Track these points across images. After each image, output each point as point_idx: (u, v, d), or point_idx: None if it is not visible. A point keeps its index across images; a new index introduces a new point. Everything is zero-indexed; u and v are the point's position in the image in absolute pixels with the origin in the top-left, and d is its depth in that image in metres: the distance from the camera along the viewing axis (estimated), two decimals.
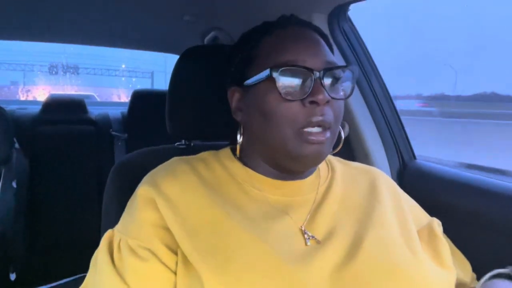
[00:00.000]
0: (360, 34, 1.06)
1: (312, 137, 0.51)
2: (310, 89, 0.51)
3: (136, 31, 1.75)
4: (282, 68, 0.51)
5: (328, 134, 0.53)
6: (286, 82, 0.51)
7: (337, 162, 0.66)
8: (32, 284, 1.69)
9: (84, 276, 0.53)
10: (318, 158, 0.54)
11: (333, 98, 0.52)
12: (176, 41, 1.87)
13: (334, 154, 0.70)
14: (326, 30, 1.02)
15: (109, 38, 1.93)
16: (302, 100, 0.51)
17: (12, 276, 1.48)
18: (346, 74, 0.55)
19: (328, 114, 0.52)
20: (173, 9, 1.35)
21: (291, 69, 0.51)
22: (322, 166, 0.63)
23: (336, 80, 0.54)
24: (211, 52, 0.78)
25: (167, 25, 1.58)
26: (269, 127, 0.53)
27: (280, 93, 0.51)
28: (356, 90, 1.03)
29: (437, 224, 0.63)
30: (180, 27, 1.54)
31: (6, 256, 1.45)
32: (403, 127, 1.06)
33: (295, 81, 0.52)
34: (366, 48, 1.06)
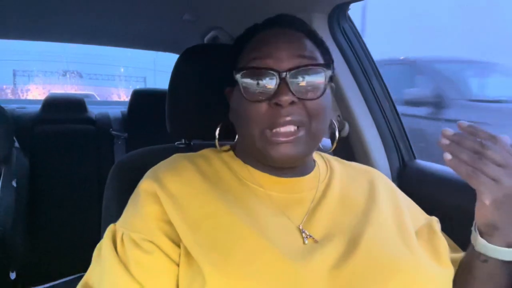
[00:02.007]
0: (360, 33, 1.06)
1: (277, 138, 0.51)
2: (276, 91, 0.51)
3: (136, 31, 1.75)
4: (243, 72, 0.53)
5: (301, 133, 0.52)
6: (249, 84, 0.53)
7: (336, 162, 0.67)
8: (32, 284, 1.69)
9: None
10: (290, 158, 0.53)
11: (300, 98, 0.52)
12: (176, 41, 1.87)
13: (335, 154, 0.71)
14: (326, 30, 1.02)
15: (109, 37, 1.93)
16: (267, 101, 0.52)
17: (12, 276, 1.48)
18: (318, 73, 0.54)
19: (297, 114, 0.52)
20: (173, 8, 1.35)
21: (253, 71, 0.53)
22: (321, 165, 0.64)
23: (309, 79, 0.53)
24: (211, 52, 0.78)
25: (167, 24, 1.58)
26: (242, 128, 0.56)
27: (243, 95, 0.53)
28: (356, 90, 1.03)
29: (435, 221, 0.63)
30: (180, 26, 1.54)
31: (6, 255, 1.45)
32: (403, 127, 1.06)
33: (258, 83, 0.53)
34: (367, 48, 1.06)
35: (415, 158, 1.05)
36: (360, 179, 0.64)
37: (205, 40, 1.59)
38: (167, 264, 0.49)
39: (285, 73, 0.51)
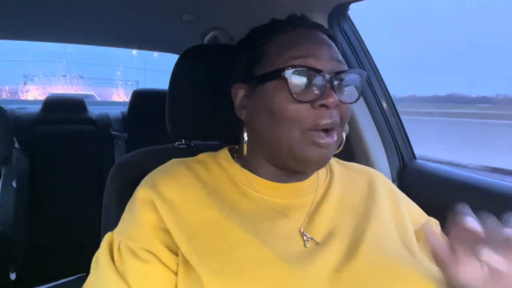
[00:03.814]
0: (360, 33, 1.06)
1: (321, 140, 0.51)
2: (321, 92, 0.50)
3: (136, 31, 1.75)
4: (295, 69, 0.50)
5: (335, 137, 0.53)
6: (298, 83, 0.51)
7: (335, 163, 0.67)
8: (32, 284, 1.69)
9: (84, 276, 0.53)
10: (323, 162, 0.54)
11: (342, 102, 0.52)
12: (176, 41, 1.87)
13: (335, 155, 0.71)
14: None
15: (109, 38, 1.93)
16: (312, 102, 0.51)
17: (12, 276, 1.48)
18: (355, 78, 0.55)
19: (336, 117, 0.52)
20: (173, 9, 1.35)
21: (304, 70, 0.51)
22: None
23: (345, 83, 0.54)
24: (211, 52, 0.78)
25: (167, 25, 1.58)
26: (276, 127, 0.52)
27: (291, 94, 0.50)
28: None
29: (434, 223, 0.63)
30: (180, 27, 1.54)
31: (6, 255, 1.45)
32: (403, 127, 1.07)
33: (306, 83, 0.51)
34: (366, 48, 1.06)
35: (415, 158, 1.05)
36: (360, 180, 0.63)
37: (205, 40, 1.59)
38: (164, 273, 0.48)
39: (329, 75, 0.51)
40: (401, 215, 0.59)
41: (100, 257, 0.51)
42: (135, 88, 2.29)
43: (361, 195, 0.60)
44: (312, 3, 0.97)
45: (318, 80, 0.51)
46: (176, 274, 0.49)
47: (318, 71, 0.51)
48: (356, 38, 1.05)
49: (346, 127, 1.02)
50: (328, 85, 0.50)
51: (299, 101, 0.50)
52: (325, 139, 0.51)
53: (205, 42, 1.60)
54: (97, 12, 1.43)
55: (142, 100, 2.14)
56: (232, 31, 1.39)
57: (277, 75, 0.51)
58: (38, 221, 1.83)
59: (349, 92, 0.54)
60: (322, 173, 0.62)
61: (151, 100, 2.09)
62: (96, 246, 0.54)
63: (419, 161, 1.03)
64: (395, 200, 0.62)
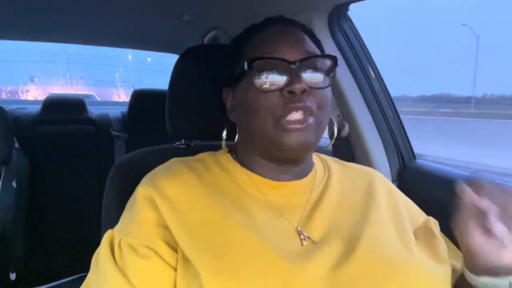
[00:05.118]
0: (360, 33, 1.06)
1: (290, 125, 0.52)
2: (289, 80, 0.52)
3: (136, 31, 1.75)
4: (257, 61, 0.53)
5: (311, 120, 0.53)
6: (263, 74, 0.53)
7: (334, 163, 0.67)
8: (32, 284, 1.69)
9: (84, 276, 0.53)
10: (303, 146, 0.54)
11: (311, 87, 0.53)
12: (176, 41, 1.88)
13: (335, 155, 0.71)
14: (326, 30, 1.02)
15: (109, 38, 1.94)
16: (280, 91, 0.52)
17: (12, 276, 1.48)
18: (327, 63, 0.56)
19: (308, 101, 0.53)
20: (173, 9, 1.35)
21: (267, 61, 0.53)
22: (319, 166, 0.64)
23: (317, 70, 0.55)
24: (211, 52, 0.78)
25: (167, 25, 1.58)
26: (252, 120, 0.54)
27: (258, 86, 0.52)
28: (356, 90, 1.03)
29: (433, 223, 0.63)
30: (180, 27, 1.55)
31: (6, 256, 1.45)
32: (403, 127, 1.07)
33: (271, 73, 0.53)
34: (366, 48, 1.06)
35: (415, 158, 1.05)
36: (359, 180, 0.64)
37: (205, 40, 1.59)
38: (164, 269, 0.49)
39: (296, 64, 0.52)
40: (400, 215, 0.60)
41: (101, 253, 0.51)
42: (133, 89, 2.29)
43: (360, 194, 0.61)
44: (312, 3, 0.97)
45: (285, 69, 0.53)
46: (175, 270, 0.49)
47: (283, 60, 0.53)
48: (356, 38, 1.05)
49: (346, 127, 1.02)
50: (294, 72, 0.52)
51: (267, 91, 0.52)
52: (295, 124, 0.52)
53: (205, 42, 1.60)
54: (97, 12, 1.43)
55: (142, 100, 2.14)
56: (232, 31, 1.39)
57: (245, 70, 0.54)
58: (38, 221, 1.83)
59: (320, 79, 0.55)
60: (320, 172, 0.63)
61: (151, 100, 2.08)
62: (96, 246, 0.54)
63: (419, 161, 1.03)
64: (394, 199, 0.62)
